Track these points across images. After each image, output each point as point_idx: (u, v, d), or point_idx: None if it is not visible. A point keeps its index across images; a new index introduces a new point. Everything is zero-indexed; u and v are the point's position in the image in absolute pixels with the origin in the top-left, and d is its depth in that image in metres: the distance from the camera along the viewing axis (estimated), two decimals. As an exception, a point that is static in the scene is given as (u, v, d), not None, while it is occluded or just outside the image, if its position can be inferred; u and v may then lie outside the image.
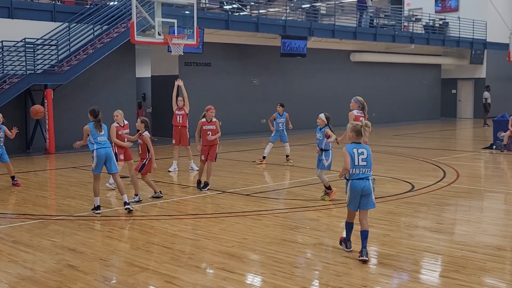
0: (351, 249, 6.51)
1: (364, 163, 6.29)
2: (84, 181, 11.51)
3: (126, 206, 8.64)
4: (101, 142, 8.56)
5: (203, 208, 9.15)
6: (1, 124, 10.99)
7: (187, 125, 12.70)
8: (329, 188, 9.45)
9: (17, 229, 7.81)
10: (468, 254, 6.40)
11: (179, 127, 12.69)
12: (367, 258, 6.17)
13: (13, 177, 11.06)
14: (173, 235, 7.42)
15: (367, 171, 6.31)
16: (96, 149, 8.50)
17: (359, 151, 6.29)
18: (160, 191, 9.79)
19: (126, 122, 10.70)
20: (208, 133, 10.36)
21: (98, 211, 8.58)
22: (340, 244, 6.69)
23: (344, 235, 6.66)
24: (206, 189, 10.37)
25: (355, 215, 6.47)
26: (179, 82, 12.72)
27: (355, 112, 9.62)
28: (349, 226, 6.55)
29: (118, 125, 10.42)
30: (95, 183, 8.63)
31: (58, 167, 14.05)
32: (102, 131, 8.59)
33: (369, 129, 6.39)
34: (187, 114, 12.72)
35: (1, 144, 10.99)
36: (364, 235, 6.28)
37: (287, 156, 14.10)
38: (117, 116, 10.49)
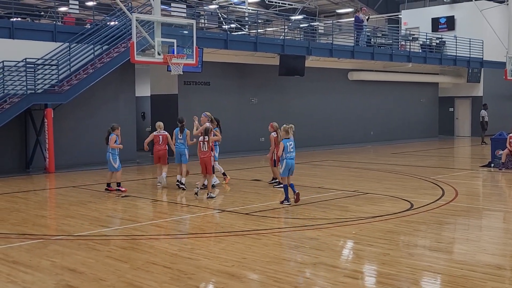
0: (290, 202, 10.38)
1: (293, 150, 10.51)
2: (84, 201, 11.51)
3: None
4: None
5: (203, 227, 9.15)
6: None
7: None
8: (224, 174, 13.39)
9: (17, 249, 7.81)
10: (468, 273, 6.41)
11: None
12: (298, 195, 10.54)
13: None
14: (173, 254, 7.42)
15: (294, 155, 10.56)
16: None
17: (289, 143, 10.45)
18: None
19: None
20: None
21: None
22: (281, 203, 10.49)
23: (284, 197, 10.51)
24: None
25: (287, 180, 10.51)
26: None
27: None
28: (286, 188, 10.51)
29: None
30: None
31: (58, 186, 14.05)
32: None
33: (293, 129, 10.55)
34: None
35: None
36: (292, 185, 10.55)
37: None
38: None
